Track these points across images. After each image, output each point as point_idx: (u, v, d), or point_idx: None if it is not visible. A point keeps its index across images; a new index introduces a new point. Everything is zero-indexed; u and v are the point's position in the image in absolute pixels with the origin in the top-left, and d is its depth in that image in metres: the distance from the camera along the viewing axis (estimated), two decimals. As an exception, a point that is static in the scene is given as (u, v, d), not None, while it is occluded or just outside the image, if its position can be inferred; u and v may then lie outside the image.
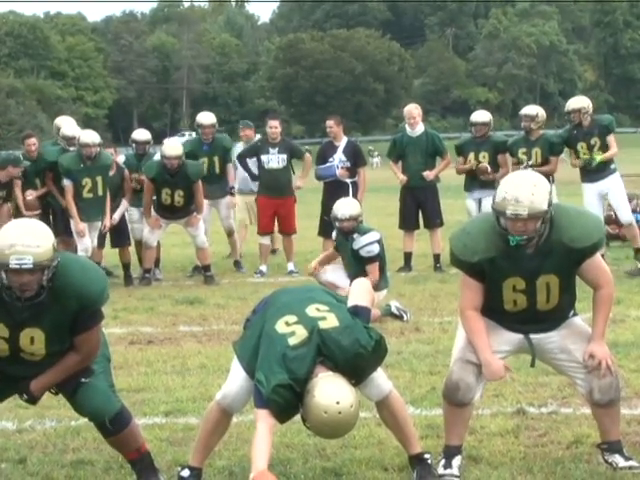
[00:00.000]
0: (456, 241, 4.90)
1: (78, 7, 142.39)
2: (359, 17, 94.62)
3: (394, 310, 9.14)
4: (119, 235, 11.95)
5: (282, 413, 4.54)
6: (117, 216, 11.73)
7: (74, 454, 5.44)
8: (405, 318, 9.09)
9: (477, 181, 12.11)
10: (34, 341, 4.52)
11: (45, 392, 4.74)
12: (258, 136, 13.58)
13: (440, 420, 5.71)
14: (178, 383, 6.92)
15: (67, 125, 12.24)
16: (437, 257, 12.30)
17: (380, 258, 9.29)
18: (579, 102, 11.79)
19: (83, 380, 4.66)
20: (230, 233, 12.82)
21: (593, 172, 11.50)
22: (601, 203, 11.72)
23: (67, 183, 11.25)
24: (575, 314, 5.00)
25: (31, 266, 4.30)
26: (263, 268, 12.15)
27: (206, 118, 12.64)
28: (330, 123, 12.40)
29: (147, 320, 9.41)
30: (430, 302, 9.98)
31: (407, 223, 12.54)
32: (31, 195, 11.78)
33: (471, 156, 12.16)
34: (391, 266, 12.44)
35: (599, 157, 11.36)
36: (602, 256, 11.94)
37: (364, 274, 8.90)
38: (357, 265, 9.21)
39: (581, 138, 11.49)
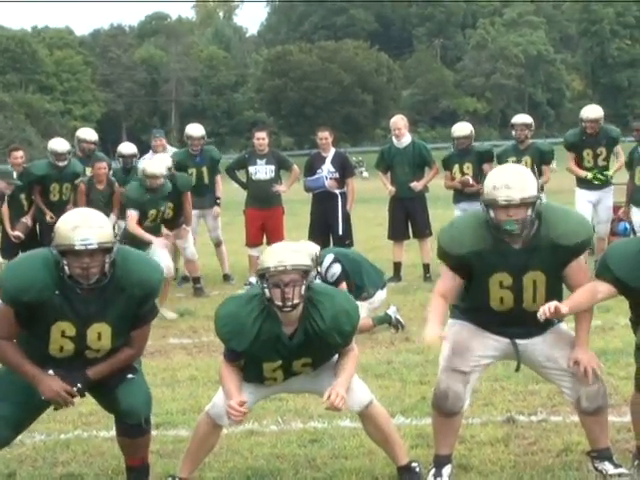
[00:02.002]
0: (444, 234, 4.94)
1: (66, 21, 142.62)
2: (347, 29, 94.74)
3: (393, 320, 9.14)
4: None
5: (232, 340, 4.65)
6: None
7: (64, 467, 5.43)
8: (400, 330, 9.09)
9: (464, 193, 12.15)
10: (101, 337, 4.55)
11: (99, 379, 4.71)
12: (170, 148, 13.50)
13: (430, 429, 5.72)
14: (168, 395, 6.91)
15: (57, 141, 12.23)
16: (427, 267, 12.31)
17: (346, 274, 8.87)
18: (596, 112, 11.84)
19: (130, 376, 4.69)
20: (218, 244, 12.82)
21: (590, 181, 11.64)
22: (591, 210, 11.79)
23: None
24: (560, 320, 5.01)
25: (96, 246, 4.38)
26: (252, 279, 12.14)
27: (195, 130, 12.68)
28: (325, 135, 12.39)
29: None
30: (420, 312, 9.97)
31: (396, 233, 12.55)
32: (26, 220, 11.72)
33: (455, 168, 12.19)
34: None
35: (611, 172, 11.60)
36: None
37: None
38: None
39: (588, 145, 11.61)
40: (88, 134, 12.76)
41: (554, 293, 4.84)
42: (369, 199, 23.19)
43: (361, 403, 4.86)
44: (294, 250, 4.70)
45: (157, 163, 10.61)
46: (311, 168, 12.38)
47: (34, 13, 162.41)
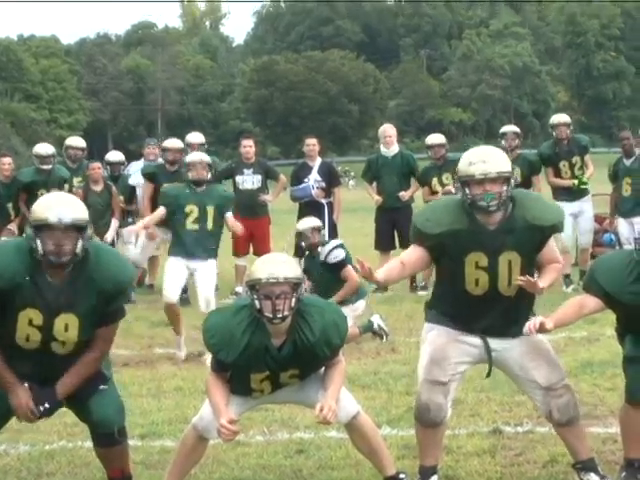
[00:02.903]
0: (419, 216, 5.05)
1: (52, 30, 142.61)
2: (333, 39, 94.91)
3: (375, 327, 9.13)
4: None
5: (221, 351, 4.65)
6: (109, 236, 11.75)
7: (48, 478, 5.41)
8: (384, 339, 9.09)
9: None
10: (68, 328, 4.54)
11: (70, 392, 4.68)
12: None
13: (417, 440, 5.72)
14: (154, 406, 6.89)
15: (41, 145, 12.26)
16: (413, 277, 12.31)
17: (349, 261, 9.09)
18: (565, 117, 12.04)
19: (102, 387, 4.67)
20: None
21: (570, 192, 11.65)
22: (572, 222, 11.81)
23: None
24: (533, 314, 4.99)
25: (69, 221, 4.44)
26: (239, 289, 12.12)
27: (195, 138, 12.67)
28: (313, 141, 12.45)
29: (122, 342, 9.33)
30: (406, 322, 9.99)
31: (382, 244, 12.56)
32: (12, 227, 11.70)
33: (434, 181, 12.11)
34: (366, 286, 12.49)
35: (586, 178, 11.63)
36: (584, 274, 12.11)
37: (340, 287, 8.92)
38: (331, 279, 9.04)
39: (563, 156, 11.68)
40: (75, 141, 12.94)
41: (528, 274, 4.84)
42: (356, 209, 23.20)
43: (348, 414, 4.85)
44: (285, 262, 4.71)
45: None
46: (297, 177, 12.39)
47: (20, 22, 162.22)
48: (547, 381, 4.89)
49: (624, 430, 5.00)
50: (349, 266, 9.02)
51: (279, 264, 4.67)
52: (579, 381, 6.97)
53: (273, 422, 6.34)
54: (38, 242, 4.46)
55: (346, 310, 8.65)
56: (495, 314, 4.86)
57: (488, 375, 5.07)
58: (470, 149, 5.05)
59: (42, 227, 4.46)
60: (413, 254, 4.99)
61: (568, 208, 11.56)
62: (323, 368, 4.89)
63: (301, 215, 12.28)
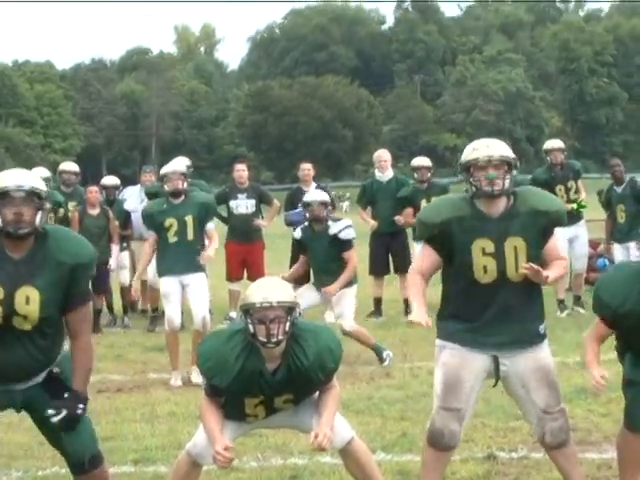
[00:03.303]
0: (423, 210, 5.15)
1: (47, 55, 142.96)
2: (328, 64, 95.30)
3: (385, 355, 9.21)
4: (99, 281, 11.84)
5: (214, 377, 4.64)
6: (113, 263, 11.80)
7: (41, 504, 5.37)
8: (385, 363, 9.12)
9: None
10: (29, 301, 4.48)
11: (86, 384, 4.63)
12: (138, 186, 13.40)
13: (411, 466, 5.71)
14: (147, 431, 6.86)
15: (36, 170, 12.27)
16: (407, 302, 12.29)
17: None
18: (558, 142, 12.16)
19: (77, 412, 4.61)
20: None
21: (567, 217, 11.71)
22: (567, 247, 11.84)
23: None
24: (545, 335, 4.99)
25: (28, 189, 4.46)
26: (233, 314, 12.11)
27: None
28: (309, 166, 12.57)
29: (116, 368, 9.34)
30: (400, 347, 9.98)
31: (377, 268, 12.56)
32: None
33: (423, 203, 12.04)
34: (361, 311, 12.48)
35: (583, 201, 11.71)
36: (578, 299, 12.10)
37: (337, 265, 9.05)
38: (332, 255, 9.26)
39: (559, 181, 11.73)
40: (68, 165, 13.11)
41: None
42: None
43: (343, 440, 4.84)
44: (279, 286, 4.70)
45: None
46: (292, 202, 12.41)
47: (15, 47, 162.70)
48: (545, 404, 4.90)
49: (621, 456, 4.98)
50: (354, 249, 9.41)
51: (273, 288, 4.66)
52: (573, 407, 6.95)
53: (267, 448, 6.32)
54: None
55: (351, 291, 9.12)
56: (505, 309, 4.85)
57: (494, 385, 5.05)
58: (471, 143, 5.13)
59: (1, 196, 4.47)
60: (425, 259, 5.00)
61: (564, 233, 11.57)
62: (317, 393, 4.88)
63: (295, 240, 12.28)
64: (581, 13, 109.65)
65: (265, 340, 4.58)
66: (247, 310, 4.63)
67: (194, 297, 8.86)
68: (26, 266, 4.49)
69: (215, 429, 4.69)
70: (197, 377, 8.27)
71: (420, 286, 4.97)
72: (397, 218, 12.22)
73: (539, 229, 4.89)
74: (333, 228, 9.31)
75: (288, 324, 4.61)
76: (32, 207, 4.48)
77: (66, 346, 4.67)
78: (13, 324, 4.49)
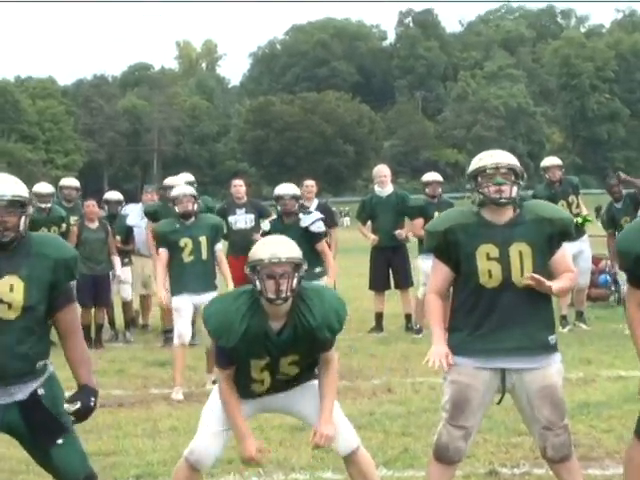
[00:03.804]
0: (430, 222, 5.22)
1: (49, 71, 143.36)
2: (329, 80, 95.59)
3: None
4: (100, 294, 11.88)
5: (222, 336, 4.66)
6: (118, 270, 11.93)
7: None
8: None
9: None
10: (13, 289, 4.48)
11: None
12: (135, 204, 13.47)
13: (413, 481, 5.70)
14: (149, 446, 6.85)
15: (40, 185, 12.32)
16: (408, 317, 12.31)
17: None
18: (556, 159, 12.20)
19: (59, 441, 4.58)
20: None
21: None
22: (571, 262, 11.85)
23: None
24: (556, 347, 4.97)
25: (9, 197, 4.47)
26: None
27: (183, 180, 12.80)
28: (312, 183, 12.59)
29: (117, 383, 9.33)
30: (402, 363, 9.96)
31: (377, 283, 12.53)
32: None
33: (436, 215, 12.01)
34: (362, 327, 12.47)
35: (589, 215, 11.78)
36: (581, 314, 12.07)
37: (307, 258, 9.08)
38: (305, 248, 9.22)
39: (560, 196, 11.73)
40: (69, 181, 13.13)
41: (541, 274, 4.85)
42: (350, 249, 23.24)
43: (348, 447, 4.85)
44: (287, 243, 4.75)
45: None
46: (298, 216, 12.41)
47: (17, 63, 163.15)
48: (548, 421, 4.89)
49: (628, 470, 4.88)
50: (325, 241, 9.65)
51: (281, 245, 4.72)
52: (575, 422, 6.93)
53: (269, 463, 6.30)
54: None
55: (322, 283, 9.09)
56: (511, 315, 4.85)
57: (499, 402, 5.05)
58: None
59: None
60: (436, 274, 5.03)
61: (569, 248, 11.53)
62: (317, 382, 4.90)
63: (264, 233, 12.33)
64: (582, 29, 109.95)
65: (273, 296, 4.60)
66: (254, 267, 4.66)
67: None
68: (9, 259, 4.51)
69: (237, 418, 4.74)
70: (211, 384, 8.41)
71: (438, 309, 4.99)
72: (398, 232, 12.19)
73: (544, 236, 4.90)
74: (304, 221, 9.42)
75: (295, 281, 4.64)
76: (15, 214, 4.50)
77: (51, 367, 4.63)
78: (1, 319, 4.48)
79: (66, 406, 4.48)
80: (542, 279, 4.79)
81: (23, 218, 4.52)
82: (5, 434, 4.60)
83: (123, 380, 9.48)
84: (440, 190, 12.19)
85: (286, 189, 9.67)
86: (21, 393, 4.51)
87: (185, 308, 8.93)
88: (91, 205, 11.97)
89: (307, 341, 4.70)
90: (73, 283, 4.79)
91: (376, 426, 7.21)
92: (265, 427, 7.09)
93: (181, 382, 8.83)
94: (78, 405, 4.47)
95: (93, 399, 4.52)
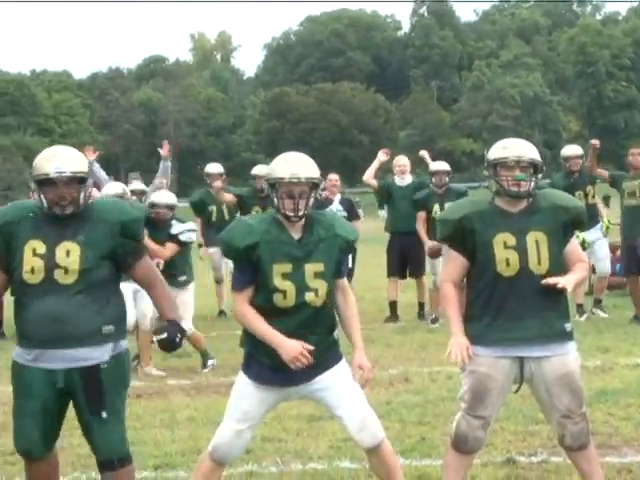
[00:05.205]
0: (443, 211, 5.17)
1: (64, 64, 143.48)
2: (344, 70, 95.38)
3: (209, 363, 9.72)
4: None
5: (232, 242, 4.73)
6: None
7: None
8: (205, 370, 9.56)
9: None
10: (69, 254, 4.61)
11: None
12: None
13: (431, 470, 5.72)
14: (167, 437, 6.88)
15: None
16: (421, 305, 12.38)
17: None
18: (578, 149, 12.10)
19: (104, 415, 4.65)
20: (219, 281, 13.37)
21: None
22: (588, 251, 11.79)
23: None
24: (572, 335, 4.97)
25: (69, 174, 4.60)
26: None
27: (214, 168, 13.35)
28: (336, 177, 12.90)
29: (135, 374, 9.36)
30: (419, 352, 9.97)
31: (393, 269, 12.53)
32: None
33: (436, 208, 11.85)
34: (379, 317, 12.48)
35: (610, 220, 11.77)
36: (599, 302, 12.04)
37: (178, 263, 9.51)
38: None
39: (578, 186, 11.67)
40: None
41: (557, 261, 4.87)
42: (367, 239, 23.25)
43: (376, 440, 4.84)
44: (306, 162, 4.80)
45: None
46: (319, 210, 12.53)
47: (33, 57, 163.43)
48: (567, 409, 4.89)
49: None
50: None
51: (301, 164, 4.77)
52: (593, 410, 6.92)
53: (286, 453, 6.33)
54: (42, 197, 4.63)
55: (186, 293, 9.53)
56: (528, 303, 4.85)
57: (516, 391, 5.04)
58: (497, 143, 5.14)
59: (44, 181, 4.63)
60: (451, 263, 5.03)
61: (587, 237, 11.45)
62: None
63: None
64: (598, 16, 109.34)
65: (291, 214, 4.69)
66: (274, 184, 4.74)
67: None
68: (70, 225, 4.65)
69: (268, 329, 4.71)
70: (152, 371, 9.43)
71: (455, 299, 4.99)
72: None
73: (560, 224, 4.90)
74: (175, 228, 9.52)
75: (312, 199, 4.75)
76: (75, 189, 4.64)
77: (124, 343, 4.76)
78: (55, 277, 4.60)
79: (154, 337, 4.76)
80: (557, 281, 4.77)
81: (83, 192, 4.65)
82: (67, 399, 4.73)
83: (141, 371, 9.52)
84: (447, 179, 12.13)
85: (161, 198, 9.72)
86: (84, 360, 4.62)
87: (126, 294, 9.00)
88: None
89: (325, 249, 4.77)
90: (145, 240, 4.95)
91: (393, 415, 7.22)
92: (283, 417, 7.11)
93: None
94: (164, 335, 4.74)
95: (180, 335, 4.78)
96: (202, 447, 5.36)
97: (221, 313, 12.97)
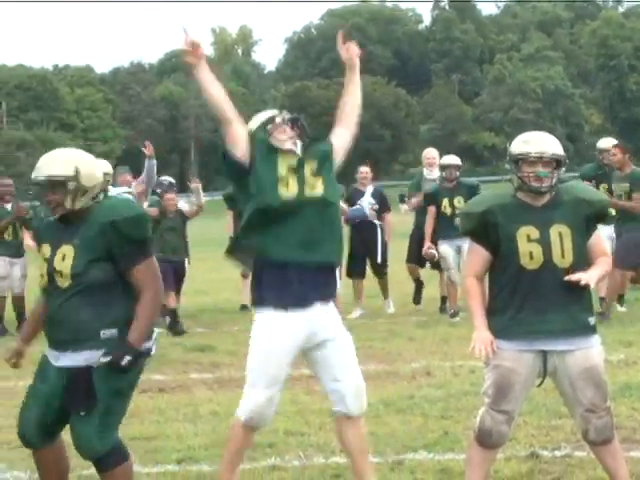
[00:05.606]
0: (466, 204, 5.30)
1: (86, 59, 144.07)
2: (365, 64, 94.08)
3: None
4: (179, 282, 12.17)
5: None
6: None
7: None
8: None
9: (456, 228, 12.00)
10: (65, 258, 4.65)
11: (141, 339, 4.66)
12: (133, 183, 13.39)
13: (453, 464, 5.71)
14: (190, 431, 6.90)
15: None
16: (444, 299, 12.42)
17: None
18: (613, 141, 12.04)
19: (82, 413, 4.61)
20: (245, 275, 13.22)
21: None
22: (611, 245, 11.71)
23: None
24: (595, 328, 4.94)
25: (43, 178, 4.69)
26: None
27: None
28: (367, 169, 13.12)
29: (158, 368, 9.37)
30: (441, 346, 9.96)
31: (411, 257, 12.80)
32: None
33: (445, 202, 11.83)
34: (401, 311, 12.50)
35: None
36: (621, 297, 11.96)
37: None
38: None
39: (604, 180, 11.61)
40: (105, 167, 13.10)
41: (581, 255, 4.86)
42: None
43: (362, 409, 5.01)
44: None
45: None
46: (351, 201, 12.67)
47: (55, 52, 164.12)
48: (591, 403, 4.87)
49: None
50: None
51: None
52: (617, 405, 6.88)
53: (309, 447, 6.33)
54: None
55: None
56: (552, 297, 4.82)
57: (539, 385, 5.02)
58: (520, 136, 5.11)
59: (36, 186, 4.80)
60: (473, 257, 5.01)
61: (607, 231, 11.36)
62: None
63: (352, 235, 12.50)
64: (620, 9, 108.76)
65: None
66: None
67: None
68: (68, 228, 4.70)
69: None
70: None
71: (479, 294, 4.97)
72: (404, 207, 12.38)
73: (583, 217, 4.88)
74: None
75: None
76: (56, 193, 4.66)
77: None
78: (56, 281, 4.66)
79: (101, 358, 4.57)
80: (579, 278, 4.75)
81: (69, 196, 4.64)
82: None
83: (163, 365, 9.53)
84: (457, 174, 12.07)
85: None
86: (76, 362, 4.61)
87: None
88: (172, 199, 12.44)
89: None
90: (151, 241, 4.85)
91: (415, 409, 7.21)
92: (305, 411, 7.12)
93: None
94: (108, 358, 4.55)
95: (129, 358, 4.55)
96: (225, 441, 5.36)
97: (244, 307, 12.95)
